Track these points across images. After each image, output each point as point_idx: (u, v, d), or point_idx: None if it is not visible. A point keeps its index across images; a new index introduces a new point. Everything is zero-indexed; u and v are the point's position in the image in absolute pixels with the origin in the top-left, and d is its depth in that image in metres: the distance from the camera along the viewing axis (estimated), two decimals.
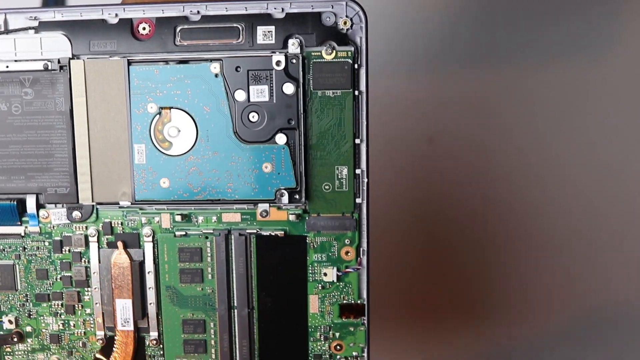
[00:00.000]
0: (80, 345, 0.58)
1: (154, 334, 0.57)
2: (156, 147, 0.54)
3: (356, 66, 0.53)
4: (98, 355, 0.58)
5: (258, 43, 0.53)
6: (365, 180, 0.54)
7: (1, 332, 0.58)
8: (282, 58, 0.52)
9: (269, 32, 0.53)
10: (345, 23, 0.53)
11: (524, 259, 0.75)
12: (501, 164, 0.74)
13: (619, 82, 0.72)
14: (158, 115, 0.54)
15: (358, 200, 0.54)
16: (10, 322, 0.58)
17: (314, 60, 0.53)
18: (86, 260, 0.57)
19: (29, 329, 0.58)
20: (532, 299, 0.76)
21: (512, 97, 0.72)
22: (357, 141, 0.54)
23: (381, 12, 0.68)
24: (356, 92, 0.53)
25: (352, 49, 0.53)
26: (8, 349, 0.59)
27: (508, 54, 0.71)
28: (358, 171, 0.54)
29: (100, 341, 0.57)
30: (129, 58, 0.53)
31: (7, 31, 0.54)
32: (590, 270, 0.77)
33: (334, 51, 0.53)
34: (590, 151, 0.74)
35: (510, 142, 0.73)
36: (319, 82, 0.53)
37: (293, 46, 0.53)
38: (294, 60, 0.53)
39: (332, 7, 0.53)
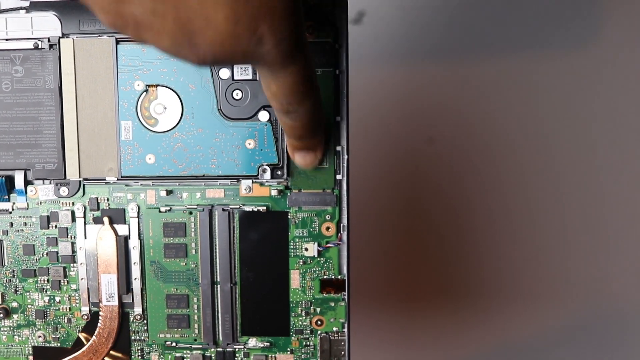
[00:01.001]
0: (66, 321, 0.59)
1: (138, 310, 0.58)
2: (142, 124, 0.56)
3: (337, 46, 0.55)
4: (81, 335, 0.59)
5: None
6: (346, 157, 0.56)
7: None
8: None
9: None
10: (327, 5, 0.55)
11: (511, 249, 0.77)
12: (495, 154, 0.76)
13: (611, 73, 0.74)
14: (145, 93, 0.56)
15: (338, 177, 0.56)
16: None
17: None
18: (72, 236, 0.58)
19: (15, 304, 0.59)
20: (531, 297, 0.77)
21: (503, 89, 0.74)
22: (338, 119, 0.56)
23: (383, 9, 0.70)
24: (337, 72, 0.55)
25: (333, 30, 0.55)
26: None
27: (502, 50, 0.74)
28: (338, 148, 0.56)
29: (85, 316, 0.58)
30: (117, 37, 0.55)
31: None
32: (590, 271, 0.78)
33: (315, 32, 0.55)
34: (591, 151, 0.75)
35: (503, 128, 0.75)
36: None
37: None
38: None
39: None
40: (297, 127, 0.49)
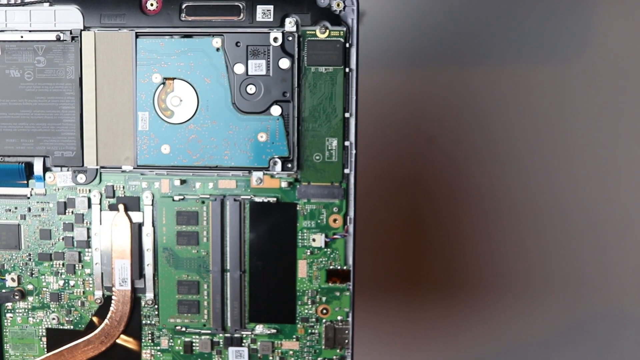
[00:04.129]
0: (79, 304, 0.61)
1: (149, 295, 0.60)
2: (159, 115, 0.58)
3: (347, 45, 0.57)
4: (94, 318, 0.61)
5: (257, 21, 0.57)
6: (354, 151, 0.58)
7: (4, 290, 0.61)
8: (279, 35, 0.56)
9: (267, 10, 0.57)
10: (338, 5, 0.57)
11: (516, 248, 0.79)
12: (497, 149, 0.78)
13: (610, 79, 0.77)
14: (162, 85, 0.58)
15: (346, 171, 0.58)
16: (12, 280, 0.61)
17: (309, 38, 0.57)
18: (88, 222, 0.60)
19: (30, 287, 0.61)
20: (531, 297, 0.80)
21: (505, 93, 0.76)
22: (347, 115, 0.58)
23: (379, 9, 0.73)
24: (347, 70, 0.57)
25: (344, 29, 0.57)
26: (9, 307, 0.61)
27: (503, 53, 0.76)
28: (347, 143, 0.58)
29: (98, 300, 0.60)
30: (136, 31, 0.57)
31: (23, 3, 0.58)
32: (590, 271, 0.80)
33: (327, 30, 0.57)
34: (591, 150, 0.78)
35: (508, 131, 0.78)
36: (313, 58, 0.57)
37: (289, 24, 0.57)
38: (290, 38, 0.57)
39: None
40: None
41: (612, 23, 0.77)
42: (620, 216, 0.80)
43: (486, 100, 0.77)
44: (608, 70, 0.77)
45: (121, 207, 0.59)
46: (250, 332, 0.60)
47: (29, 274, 0.61)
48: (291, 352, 0.60)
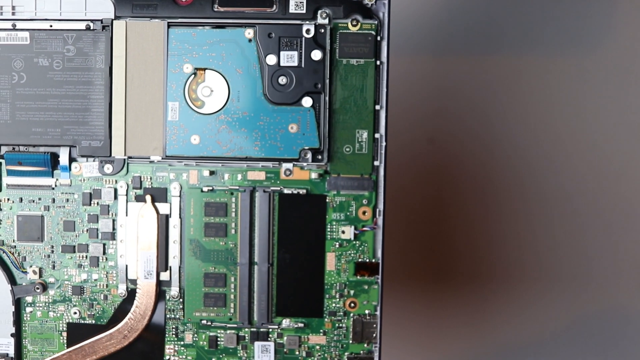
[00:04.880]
0: (102, 297, 0.60)
1: (175, 288, 0.59)
2: (189, 106, 0.58)
3: (378, 38, 0.58)
4: (117, 312, 0.60)
5: (290, 12, 0.57)
6: (384, 144, 0.58)
7: (25, 283, 0.60)
8: (311, 27, 0.57)
9: (300, 3, 0.57)
10: None
11: (523, 253, 0.80)
12: (521, 141, 0.78)
13: (615, 75, 0.78)
14: (193, 76, 0.58)
15: (376, 163, 0.58)
16: (34, 272, 0.59)
17: (341, 30, 0.57)
18: (114, 214, 0.59)
19: (51, 280, 0.60)
20: (530, 298, 0.80)
21: (511, 90, 0.78)
22: (377, 107, 0.58)
23: None
24: (378, 62, 0.58)
25: (376, 22, 0.57)
26: (29, 300, 0.60)
27: (508, 48, 0.77)
28: (377, 135, 0.58)
29: (122, 294, 0.59)
30: (169, 21, 0.57)
31: None
32: (590, 271, 0.81)
33: (359, 23, 0.57)
34: (593, 151, 0.79)
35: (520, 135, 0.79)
36: (344, 51, 0.58)
37: (322, 17, 0.57)
38: (322, 30, 0.57)
39: None
40: None
41: (634, 16, 0.79)
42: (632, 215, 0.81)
43: (519, 91, 0.78)
44: (627, 64, 0.78)
45: (148, 198, 0.59)
46: (277, 327, 0.60)
47: (51, 266, 0.60)
48: (318, 347, 0.60)
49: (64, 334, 0.60)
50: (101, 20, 0.57)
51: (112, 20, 0.57)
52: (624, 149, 0.79)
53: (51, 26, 0.58)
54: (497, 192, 0.78)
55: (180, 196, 0.59)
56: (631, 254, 0.80)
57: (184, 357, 0.60)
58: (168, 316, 0.60)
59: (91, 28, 0.57)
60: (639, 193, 0.79)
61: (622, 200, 0.79)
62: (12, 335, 0.60)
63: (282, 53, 0.57)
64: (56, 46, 0.57)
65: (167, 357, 0.60)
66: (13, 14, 0.58)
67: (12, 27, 0.58)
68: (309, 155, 0.58)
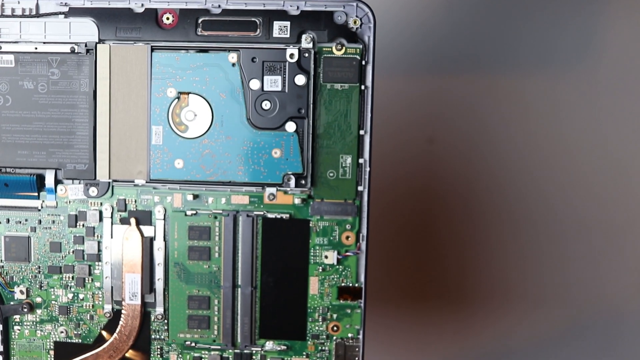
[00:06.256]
0: (88, 318, 0.60)
1: (159, 309, 0.60)
2: (173, 130, 0.58)
3: (363, 63, 0.57)
4: (103, 332, 0.61)
5: (274, 37, 0.57)
6: (368, 169, 0.58)
7: (12, 303, 0.61)
8: (295, 52, 0.56)
9: (284, 27, 0.57)
10: (355, 22, 0.57)
11: (522, 256, 0.80)
12: (500, 162, 0.78)
13: (611, 84, 0.77)
14: (176, 100, 0.58)
15: (360, 188, 0.58)
16: (21, 292, 0.60)
17: (325, 55, 0.57)
18: (99, 235, 0.59)
19: (39, 299, 0.61)
20: (531, 298, 0.80)
21: (511, 98, 0.77)
22: (362, 132, 0.58)
23: (385, 13, 0.73)
24: (362, 87, 0.57)
25: (361, 46, 0.57)
26: (17, 319, 0.61)
27: (507, 56, 0.77)
28: (361, 160, 0.58)
29: (108, 314, 0.60)
30: (152, 45, 0.57)
31: (38, 14, 0.58)
32: (590, 272, 0.81)
33: (344, 48, 0.57)
34: (590, 152, 0.78)
35: (513, 142, 0.79)
36: (329, 75, 0.57)
37: (306, 41, 0.57)
38: (306, 54, 0.57)
39: (344, 7, 0.57)
40: None
41: (614, 29, 0.78)
42: (627, 221, 0.80)
43: (505, 111, 0.77)
44: (609, 77, 0.78)
45: (133, 220, 0.59)
46: (260, 349, 0.60)
47: (38, 286, 0.60)
48: None
49: (51, 352, 0.61)
50: (85, 44, 0.57)
51: (96, 43, 0.57)
52: (615, 156, 0.78)
53: (36, 49, 0.58)
54: (482, 216, 0.78)
55: (164, 219, 0.59)
56: (615, 271, 0.80)
57: None
58: (153, 337, 0.60)
59: (75, 51, 0.57)
60: (621, 205, 0.79)
61: (607, 211, 0.79)
62: (0, 353, 0.61)
63: (265, 77, 0.57)
64: (41, 69, 0.58)
65: None
66: None
67: None
68: (292, 180, 0.58)
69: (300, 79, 0.57)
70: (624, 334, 0.82)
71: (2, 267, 0.60)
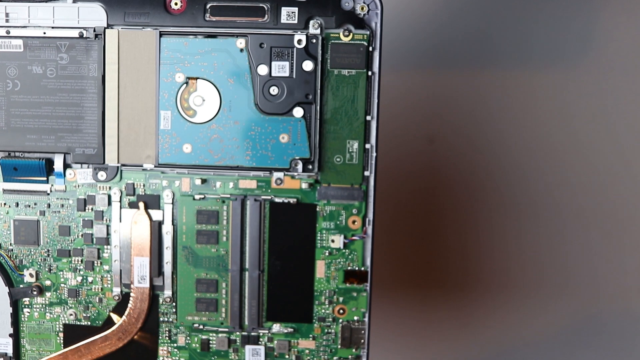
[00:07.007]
0: (97, 300, 0.61)
1: (168, 292, 0.61)
2: (181, 115, 0.58)
3: (370, 49, 0.57)
4: (112, 314, 0.61)
5: (282, 22, 0.57)
6: (374, 154, 0.59)
7: (22, 285, 0.61)
8: (303, 37, 0.57)
9: (292, 13, 0.57)
10: (362, 8, 0.57)
11: (522, 255, 0.81)
12: (506, 150, 0.79)
13: (616, 80, 0.78)
14: (185, 85, 0.58)
15: (366, 173, 0.59)
16: (31, 275, 0.61)
17: (332, 41, 0.57)
18: (108, 219, 0.60)
19: (48, 283, 0.61)
20: (531, 299, 0.81)
21: (511, 96, 0.78)
22: (368, 118, 0.58)
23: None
24: (369, 73, 0.58)
25: (368, 32, 0.57)
26: (27, 302, 0.62)
27: (510, 55, 0.77)
28: (368, 146, 0.58)
29: (117, 297, 0.61)
30: (160, 30, 0.57)
31: None
32: (590, 272, 0.81)
33: (351, 34, 0.57)
34: (591, 152, 0.79)
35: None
36: (336, 61, 0.58)
37: (313, 27, 0.57)
38: (314, 40, 0.57)
39: None
40: None
41: (615, 27, 0.79)
42: (632, 218, 0.81)
43: (508, 102, 0.78)
44: (611, 74, 0.78)
45: (141, 204, 0.59)
46: (267, 331, 0.61)
47: (47, 269, 0.61)
48: (307, 351, 0.61)
49: (61, 334, 0.62)
50: (94, 29, 0.58)
51: (105, 28, 0.57)
52: (615, 152, 0.79)
53: (44, 33, 0.58)
54: (487, 202, 0.79)
55: (172, 203, 0.60)
56: (613, 263, 0.81)
57: (177, 358, 0.62)
58: (161, 319, 0.61)
59: (84, 36, 0.58)
60: (623, 202, 0.80)
61: (609, 207, 0.80)
62: (10, 335, 0.62)
63: (273, 63, 0.57)
64: (49, 54, 0.58)
65: (161, 359, 0.62)
66: (7, 20, 0.58)
67: (6, 34, 0.58)
68: (300, 165, 0.58)
69: (307, 65, 0.57)
70: (625, 338, 0.83)
71: (12, 250, 0.61)
